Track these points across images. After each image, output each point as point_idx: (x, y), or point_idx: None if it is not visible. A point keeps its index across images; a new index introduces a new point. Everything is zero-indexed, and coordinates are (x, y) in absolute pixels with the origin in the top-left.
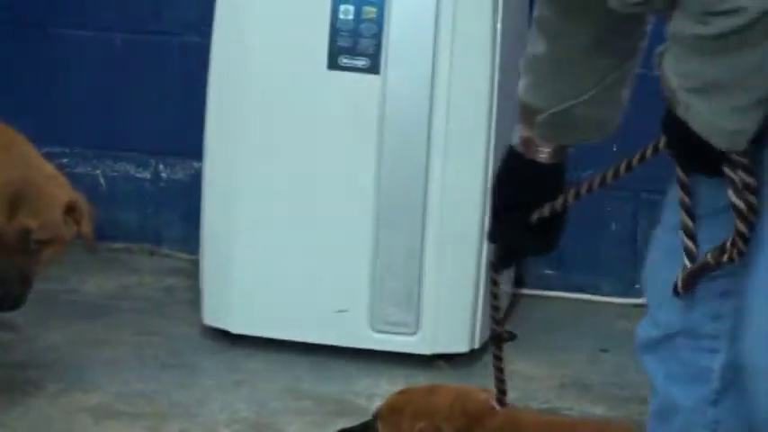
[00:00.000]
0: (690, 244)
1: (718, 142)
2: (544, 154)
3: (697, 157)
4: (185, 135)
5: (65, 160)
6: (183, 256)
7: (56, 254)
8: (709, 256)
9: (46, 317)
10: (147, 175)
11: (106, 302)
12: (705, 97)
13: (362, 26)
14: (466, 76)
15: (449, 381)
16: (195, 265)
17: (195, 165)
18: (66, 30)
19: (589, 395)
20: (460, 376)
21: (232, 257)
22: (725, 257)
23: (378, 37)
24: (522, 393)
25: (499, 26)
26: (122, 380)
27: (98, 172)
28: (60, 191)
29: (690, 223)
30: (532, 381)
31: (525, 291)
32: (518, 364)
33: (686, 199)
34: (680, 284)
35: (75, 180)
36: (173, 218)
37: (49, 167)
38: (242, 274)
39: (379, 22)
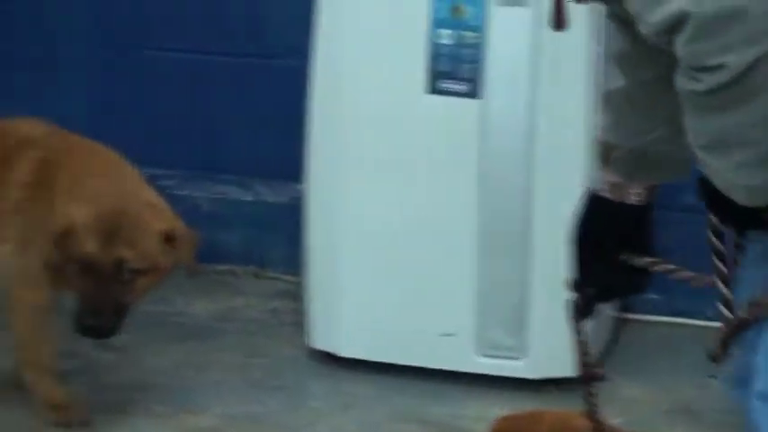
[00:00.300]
0: (725, 291)
1: (738, 198)
2: (636, 195)
3: (729, 211)
4: (286, 157)
5: (167, 182)
6: (288, 278)
7: (153, 282)
8: (745, 311)
9: (153, 339)
10: (249, 197)
11: (212, 324)
12: (714, 154)
13: (462, 51)
14: (566, 100)
15: (556, 405)
16: (300, 287)
17: (296, 187)
18: (166, 52)
19: (698, 422)
20: (568, 401)
21: (337, 280)
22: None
23: (478, 62)
24: (628, 419)
25: (600, 51)
26: (229, 402)
27: (200, 194)
28: (158, 219)
29: (724, 270)
30: (639, 406)
31: (630, 315)
32: (625, 389)
33: (718, 244)
34: (717, 351)
35: (177, 202)
36: (276, 240)
37: (148, 194)
38: (347, 296)
39: (480, 46)
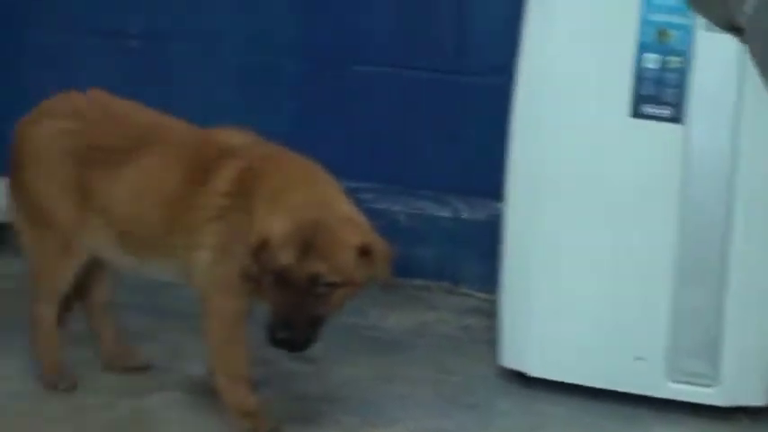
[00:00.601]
0: None
1: None
2: None
3: None
4: (485, 174)
5: (365, 196)
6: (482, 295)
7: (347, 296)
8: None
9: (345, 350)
10: (447, 213)
11: (404, 339)
12: None
13: (667, 75)
14: None
15: None
16: (493, 304)
17: (494, 205)
18: (371, 67)
19: None
20: (760, 430)
21: (531, 300)
22: None
23: (682, 87)
24: None
25: None
26: (417, 417)
27: (398, 208)
28: (354, 233)
29: None
30: None
31: None
32: None
33: None
34: None
35: (375, 216)
36: (471, 257)
37: (346, 207)
38: (540, 316)
39: (684, 71)
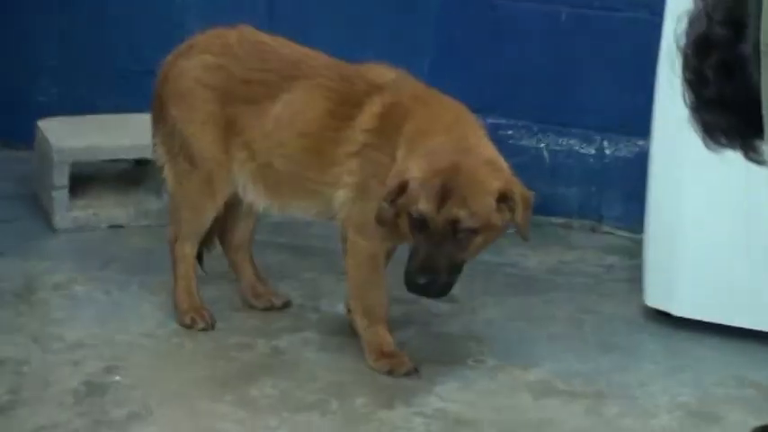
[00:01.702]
0: None
1: None
2: None
3: None
4: (630, 112)
5: (509, 132)
6: (624, 234)
7: (486, 241)
8: None
9: (485, 290)
10: (592, 150)
11: (545, 278)
12: None
13: None
14: None
15: None
16: (636, 243)
17: (639, 143)
18: (512, 1)
19: None
20: None
21: (677, 239)
22: None
23: None
24: None
25: None
26: (560, 358)
27: (542, 146)
28: (494, 178)
29: None
30: None
31: None
32: None
33: None
34: None
35: (519, 153)
36: (615, 195)
37: (488, 150)
38: (687, 256)
39: None
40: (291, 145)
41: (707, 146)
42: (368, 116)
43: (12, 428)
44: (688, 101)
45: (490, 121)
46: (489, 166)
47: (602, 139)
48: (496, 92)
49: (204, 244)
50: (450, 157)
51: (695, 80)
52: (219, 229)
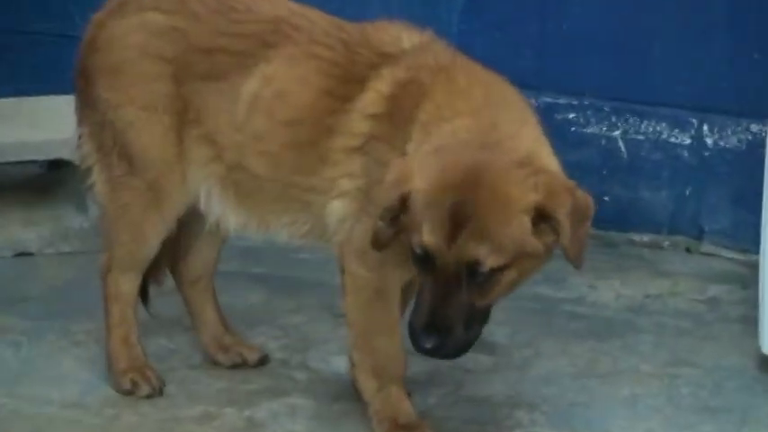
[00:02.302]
0: None
1: None
2: None
3: None
4: (740, 87)
5: (570, 116)
6: (733, 255)
7: (522, 276)
8: None
9: (540, 334)
10: (686, 139)
11: (624, 317)
12: None
13: None
14: None
15: None
16: (749, 268)
17: (753, 128)
18: None
19: None
20: None
21: None
22: None
23: None
24: None
25: None
26: (646, 428)
27: (617, 133)
28: (529, 187)
29: None
30: None
31: None
32: None
33: None
34: None
35: (584, 144)
36: (719, 201)
37: (525, 143)
38: None
39: None
40: (272, 138)
41: None
42: (373, 97)
43: None
44: None
45: (543, 99)
46: (523, 170)
47: (701, 123)
48: (550, 60)
49: (150, 276)
50: (468, 158)
51: None
52: (171, 256)
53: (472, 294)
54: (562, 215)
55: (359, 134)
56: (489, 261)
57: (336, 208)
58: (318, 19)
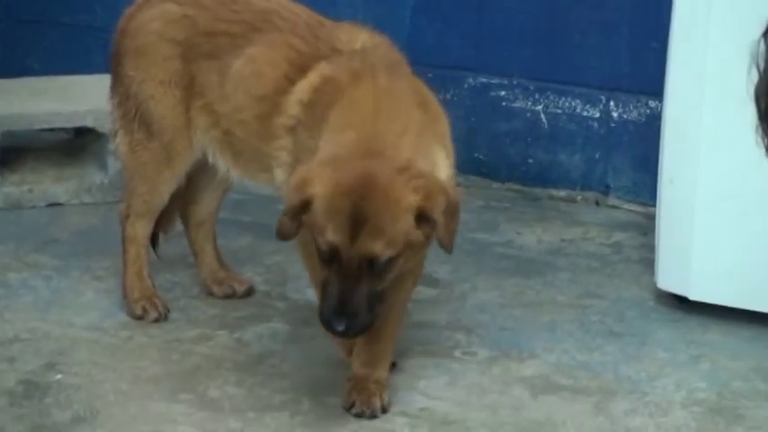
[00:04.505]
0: None
1: None
2: None
3: None
4: (641, 68)
5: (502, 93)
6: (634, 207)
7: (407, 260)
8: None
9: (476, 271)
10: (596, 113)
11: (544, 258)
12: None
13: None
14: None
15: None
16: (647, 218)
17: (651, 104)
18: None
19: None
20: None
21: (694, 213)
22: None
23: None
24: None
25: None
26: (562, 349)
27: (539, 108)
28: (411, 190)
29: None
30: None
31: None
32: None
33: None
34: None
35: (514, 117)
36: (623, 164)
37: (405, 151)
38: (705, 232)
39: None
40: (248, 110)
41: None
42: (305, 86)
43: None
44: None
45: (479, 80)
46: (404, 175)
47: (608, 100)
48: (486, 48)
49: (161, 226)
50: (358, 168)
51: None
52: (182, 201)
53: (371, 282)
54: (438, 214)
55: (292, 116)
56: (385, 254)
57: (278, 174)
58: (304, 14)
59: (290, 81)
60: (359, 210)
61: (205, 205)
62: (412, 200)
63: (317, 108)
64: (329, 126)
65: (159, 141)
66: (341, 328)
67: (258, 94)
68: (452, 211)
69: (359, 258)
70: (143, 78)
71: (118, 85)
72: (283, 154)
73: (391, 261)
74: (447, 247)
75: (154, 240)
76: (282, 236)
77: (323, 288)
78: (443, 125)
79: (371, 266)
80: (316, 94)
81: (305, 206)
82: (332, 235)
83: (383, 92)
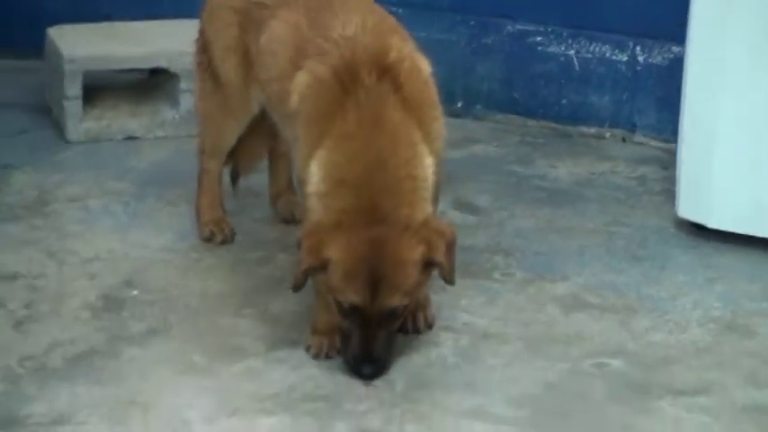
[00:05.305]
0: None
1: None
2: None
3: None
4: (665, 16)
5: (537, 38)
6: (657, 144)
7: (416, 297)
8: None
9: (513, 201)
10: (624, 57)
11: (575, 189)
12: None
13: None
14: None
15: None
16: (669, 153)
17: (674, 49)
18: None
19: None
20: None
21: (713, 149)
22: None
23: None
24: None
25: None
26: (590, 271)
27: (572, 52)
28: (417, 242)
29: None
30: None
31: None
32: None
33: None
34: None
35: (548, 60)
36: (648, 103)
37: (406, 210)
38: (722, 166)
39: None
40: (270, 84)
41: None
42: (300, 82)
43: (27, 344)
44: None
45: (516, 28)
46: (408, 232)
47: (635, 46)
48: None
49: (242, 168)
50: (370, 233)
51: None
52: (269, 135)
53: (389, 326)
54: (440, 257)
55: (293, 106)
56: (401, 304)
57: (293, 154)
58: None
59: (295, 66)
60: (375, 272)
61: (283, 141)
62: (418, 254)
63: (310, 111)
64: (322, 149)
65: (224, 94)
66: (370, 371)
67: (272, 74)
68: (451, 250)
69: (378, 313)
70: (212, 39)
71: (199, 37)
72: (289, 131)
73: (405, 307)
74: (449, 281)
75: (234, 179)
76: (297, 289)
77: (343, 336)
78: (430, 123)
79: (388, 317)
80: (308, 93)
81: (321, 269)
82: (353, 296)
83: (364, 106)
